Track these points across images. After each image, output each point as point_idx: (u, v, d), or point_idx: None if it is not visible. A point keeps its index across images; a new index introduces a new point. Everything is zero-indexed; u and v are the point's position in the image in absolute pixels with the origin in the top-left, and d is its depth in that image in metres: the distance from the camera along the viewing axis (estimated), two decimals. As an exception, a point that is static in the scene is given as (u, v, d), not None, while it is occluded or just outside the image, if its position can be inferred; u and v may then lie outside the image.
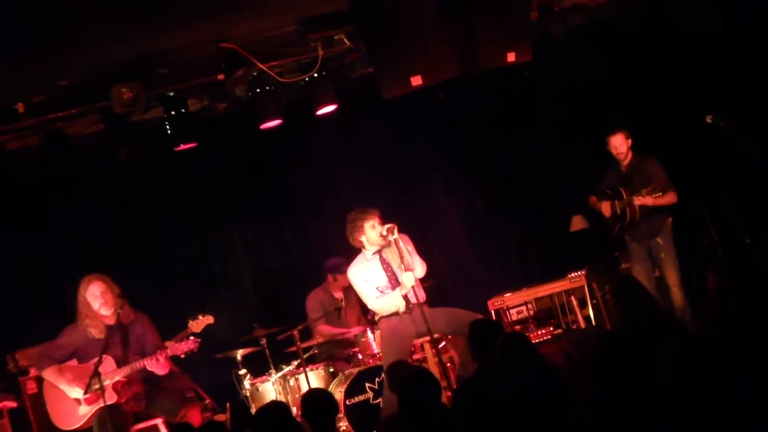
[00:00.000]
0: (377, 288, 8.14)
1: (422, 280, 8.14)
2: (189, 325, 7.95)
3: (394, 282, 8.07)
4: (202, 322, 7.95)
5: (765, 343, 4.49)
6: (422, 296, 8.09)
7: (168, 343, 7.85)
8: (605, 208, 9.18)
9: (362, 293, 8.24)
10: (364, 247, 8.16)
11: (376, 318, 8.37)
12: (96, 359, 7.57)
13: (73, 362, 7.90)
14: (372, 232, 8.00)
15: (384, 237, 7.92)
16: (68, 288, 8.96)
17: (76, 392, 7.66)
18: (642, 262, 9.13)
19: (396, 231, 7.88)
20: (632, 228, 9.07)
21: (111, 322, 7.80)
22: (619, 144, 8.99)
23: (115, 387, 7.74)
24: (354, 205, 8.36)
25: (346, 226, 8.15)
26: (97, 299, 7.77)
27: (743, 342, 4.40)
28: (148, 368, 7.79)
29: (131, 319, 7.95)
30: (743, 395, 3.67)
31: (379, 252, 8.13)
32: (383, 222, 8.00)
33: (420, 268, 8.08)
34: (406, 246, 8.06)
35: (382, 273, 8.11)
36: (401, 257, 7.92)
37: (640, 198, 8.70)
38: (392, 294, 8.03)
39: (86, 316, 7.84)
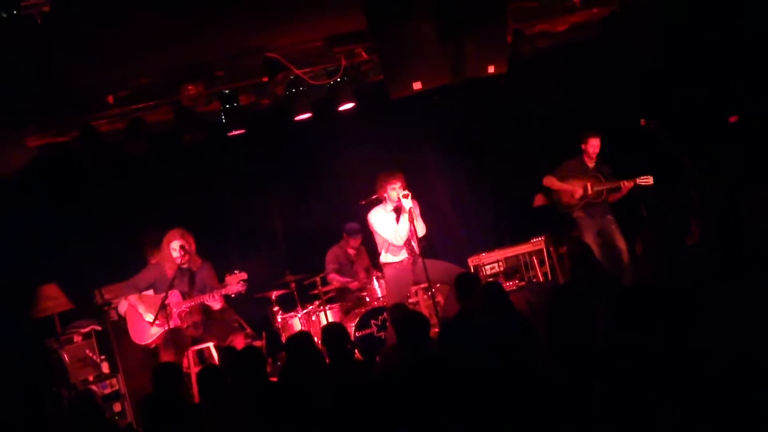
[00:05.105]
0: (383, 235, 8.17)
1: (419, 240, 8.11)
2: (226, 279, 8.00)
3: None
4: (236, 276, 7.96)
5: (680, 295, 4.61)
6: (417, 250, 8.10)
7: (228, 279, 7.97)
8: (577, 186, 9.13)
9: (379, 228, 8.17)
10: (386, 202, 8.14)
11: (381, 261, 8.32)
12: (167, 292, 7.75)
13: (151, 292, 8.07)
14: (392, 192, 7.98)
15: (399, 199, 7.91)
16: (145, 238, 9.02)
17: (149, 316, 7.83)
18: (592, 233, 9.11)
19: (410, 198, 7.88)
20: (591, 207, 9.12)
21: (184, 265, 7.94)
22: (598, 144, 9.09)
23: (180, 315, 7.89)
24: (365, 180, 8.43)
25: (376, 183, 8.18)
26: (176, 248, 7.89)
27: (663, 294, 4.53)
28: (206, 302, 7.93)
29: (199, 265, 8.08)
30: (660, 333, 3.77)
31: (395, 211, 8.08)
32: (405, 186, 7.99)
33: (422, 228, 8.10)
34: (415, 210, 8.03)
35: (393, 225, 8.09)
36: (411, 223, 7.93)
37: (626, 183, 8.95)
38: (401, 223, 8.00)
39: (165, 258, 7.99)
